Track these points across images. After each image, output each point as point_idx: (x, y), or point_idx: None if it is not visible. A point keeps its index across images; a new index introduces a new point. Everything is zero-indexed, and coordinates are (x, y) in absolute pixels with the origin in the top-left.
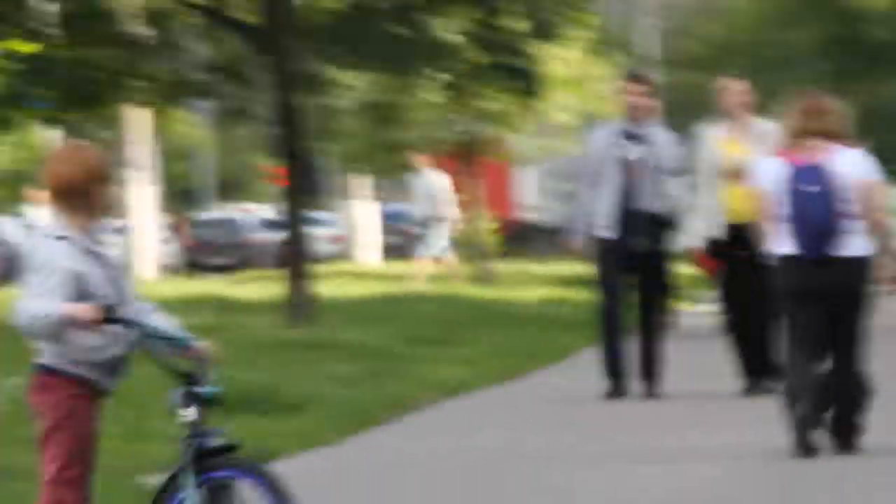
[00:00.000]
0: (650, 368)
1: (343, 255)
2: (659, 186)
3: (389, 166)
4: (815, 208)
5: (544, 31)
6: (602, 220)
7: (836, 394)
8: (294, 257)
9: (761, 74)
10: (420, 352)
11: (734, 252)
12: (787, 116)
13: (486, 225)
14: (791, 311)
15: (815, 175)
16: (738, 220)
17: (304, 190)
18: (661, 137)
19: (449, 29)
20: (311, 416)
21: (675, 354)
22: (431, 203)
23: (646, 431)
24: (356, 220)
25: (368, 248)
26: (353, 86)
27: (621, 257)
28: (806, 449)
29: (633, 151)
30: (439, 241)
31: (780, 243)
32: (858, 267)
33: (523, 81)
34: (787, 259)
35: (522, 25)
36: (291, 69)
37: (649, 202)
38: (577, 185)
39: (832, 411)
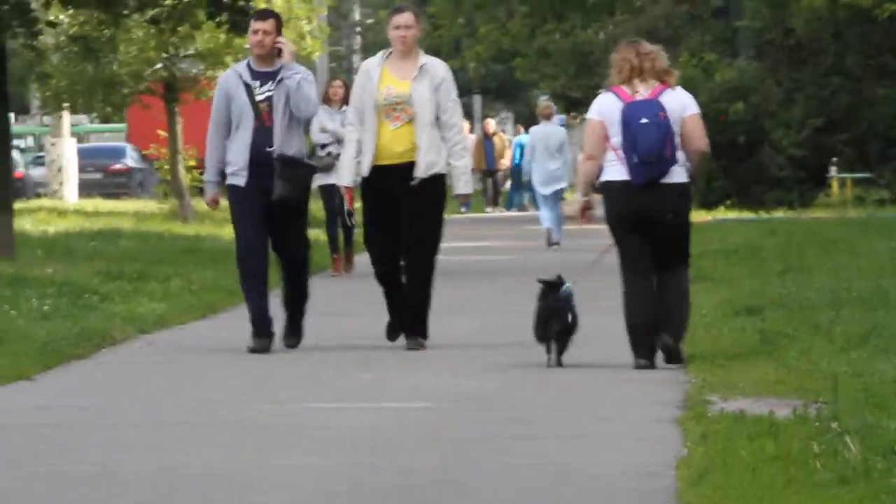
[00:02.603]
0: (293, 316)
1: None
2: (294, 129)
3: (96, 104)
4: (648, 138)
5: None
6: (233, 166)
7: (670, 308)
8: None
9: (459, 14)
10: (119, 287)
11: (382, 192)
12: (616, 58)
13: (186, 162)
14: (622, 235)
15: (647, 109)
16: (391, 161)
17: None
18: (296, 76)
19: None
20: (6, 350)
21: (342, 298)
22: None
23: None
24: (57, 157)
25: (66, 185)
26: (57, 22)
27: (256, 205)
28: (648, 362)
29: (262, 92)
30: None
31: (609, 171)
32: (684, 191)
33: (232, 16)
34: (618, 185)
35: None
36: None
37: (283, 146)
38: (208, 135)
39: (668, 324)
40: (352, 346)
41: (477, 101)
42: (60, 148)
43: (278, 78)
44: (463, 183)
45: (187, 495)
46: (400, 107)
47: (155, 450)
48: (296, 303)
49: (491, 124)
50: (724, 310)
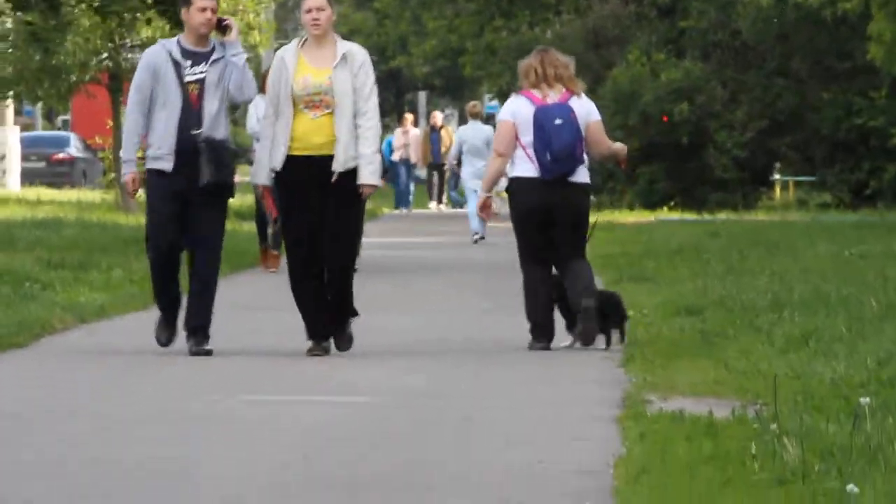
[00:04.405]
0: (196, 318)
1: None
2: (222, 113)
3: (43, 93)
4: (561, 138)
5: None
6: (157, 149)
7: (578, 279)
8: None
9: (406, 9)
10: (60, 277)
11: (299, 186)
12: (523, 64)
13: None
14: (527, 229)
15: (560, 111)
16: (307, 152)
17: None
18: (242, 56)
19: None
20: None
21: (276, 293)
22: None
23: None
24: (0, 145)
25: (9, 173)
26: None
27: (178, 191)
28: (546, 345)
29: (193, 72)
30: None
31: (519, 168)
32: (586, 189)
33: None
34: (528, 181)
35: None
36: None
37: (211, 130)
38: (127, 110)
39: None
40: (290, 340)
41: (422, 97)
42: (3, 136)
43: (213, 58)
44: (369, 172)
45: (130, 488)
46: (318, 97)
47: (97, 442)
48: (203, 299)
49: (438, 117)
50: (665, 310)
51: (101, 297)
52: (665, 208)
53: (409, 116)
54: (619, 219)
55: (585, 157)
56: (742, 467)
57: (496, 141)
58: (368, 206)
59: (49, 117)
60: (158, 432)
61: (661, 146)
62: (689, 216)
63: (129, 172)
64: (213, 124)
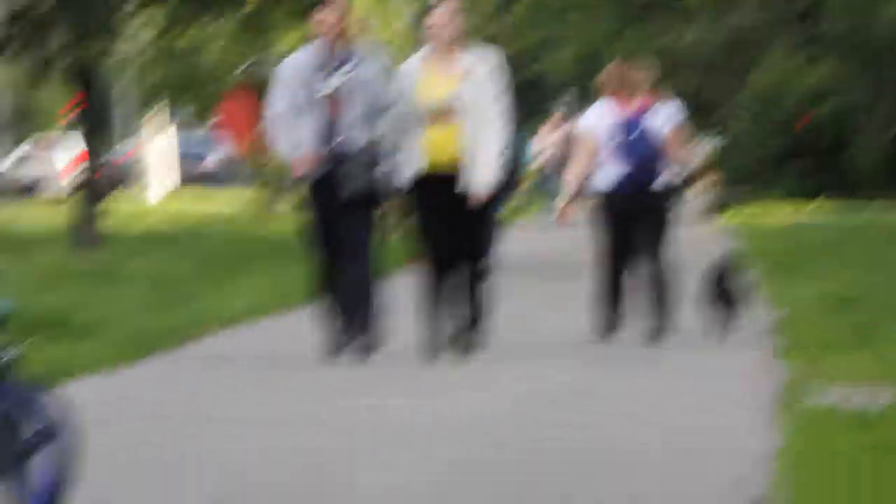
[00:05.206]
0: (354, 325)
1: (132, 188)
2: (366, 121)
3: (190, 101)
4: (639, 148)
5: None
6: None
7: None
8: (86, 187)
9: (534, 25)
10: (208, 282)
11: (429, 201)
12: (605, 74)
13: (277, 159)
14: (610, 235)
15: (638, 121)
16: (435, 168)
17: (98, 122)
18: (368, 65)
19: None
20: (95, 342)
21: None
22: None
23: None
24: (150, 153)
25: (161, 181)
26: (147, 23)
27: (324, 199)
28: (610, 332)
29: (333, 81)
30: None
31: (601, 180)
32: (667, 195)
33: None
34: (608, 192)
35: None
36: (88, 15)
37: (350, 140)
38: (270, 123)
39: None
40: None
41: (560, 103)
42: (153, 144)
43: (348, 66)
44: (484, 178)
45: (284, 485)
46: (444, 109)
47: (239, 446)
48: (359, 304)
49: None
50: (820, 302)
51: (248, 302)
52: (812, 204)
53: (553, 120)
54: (770, 214)
55: (665, 164)
56: None
57: (580, 149)
58: (505, 211)
59: (196, 123)
60: (306, 435)
61: (804, 145)
62: (837, 212)
63: (302, 157)
64: (352, 133)
